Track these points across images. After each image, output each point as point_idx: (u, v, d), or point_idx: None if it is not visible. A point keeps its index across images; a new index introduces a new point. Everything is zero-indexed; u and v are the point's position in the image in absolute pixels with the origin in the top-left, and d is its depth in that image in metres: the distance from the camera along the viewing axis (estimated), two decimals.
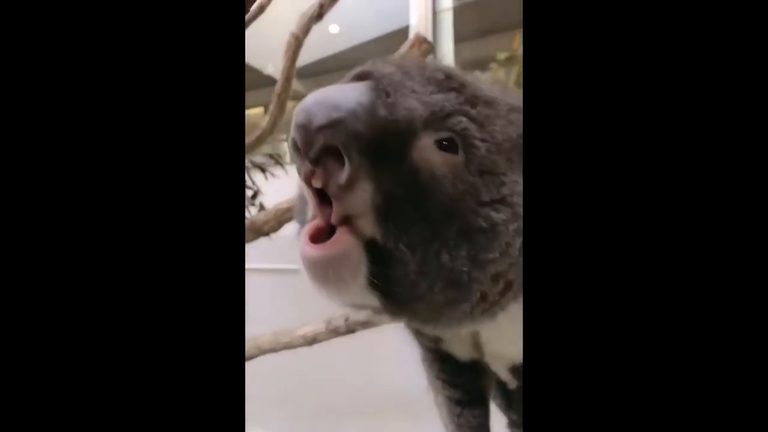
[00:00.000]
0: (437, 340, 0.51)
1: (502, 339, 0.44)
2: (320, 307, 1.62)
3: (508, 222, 0.32)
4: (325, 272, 0.32)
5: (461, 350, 0.51)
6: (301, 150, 0.31)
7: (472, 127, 0.32)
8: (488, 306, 0.35)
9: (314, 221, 0.34)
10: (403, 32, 1.84)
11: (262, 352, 1.18)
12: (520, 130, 0.34)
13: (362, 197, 0.31)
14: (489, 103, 0.34)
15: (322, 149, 0.30)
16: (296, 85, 1.26)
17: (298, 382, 1.70)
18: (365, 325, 1.04)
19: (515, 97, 0.37)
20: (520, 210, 0.33)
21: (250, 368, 1.24)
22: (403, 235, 0.32)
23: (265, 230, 1.14)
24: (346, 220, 0.32)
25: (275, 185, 1.26)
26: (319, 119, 0.29)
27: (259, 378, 1.67)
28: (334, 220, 0.32)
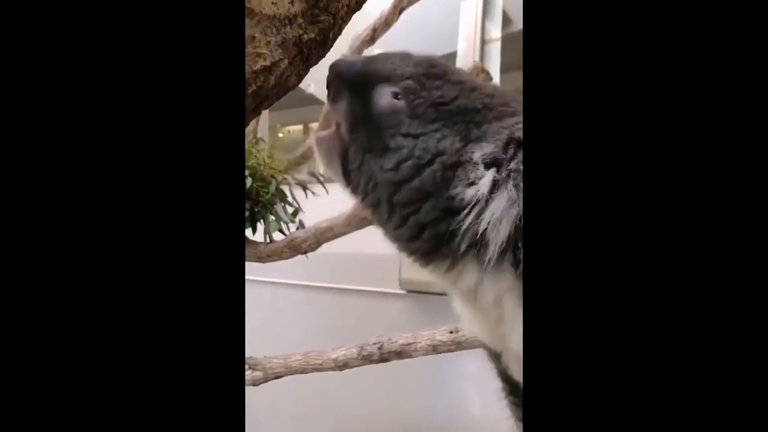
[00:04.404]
0: (498, 357, 0.59)
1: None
2: (355, 325, 1.59)
3: (406, 148, 0.47)
4: (318, 148, 0.55)
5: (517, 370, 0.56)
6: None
7: (416, 89, 0.48)
8: (393, 218, 0.49)
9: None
10: (449, 58, 1.84)
11: (291, 372, 1.16)
12: (462, 96, 0.48)
13: (341, 108, 0.52)
14: (444, 78, 0.49)
15: (327, 83, 0.54)
16: None
17: (322, 403, 1.67)
18: (399, 354, 1.01)
19: (486, 84, 0.55)
20: (420, 144, 0.47)
21: (275, 387, 1.23)
22: (355, 143, 0.50)
23: (303, 248, 1.14)
24: (339, 126, 0.54)
25: (316, 204, 1.26)
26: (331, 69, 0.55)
27: (283, 397, 1.66)
28: (334, 122, 0.55)
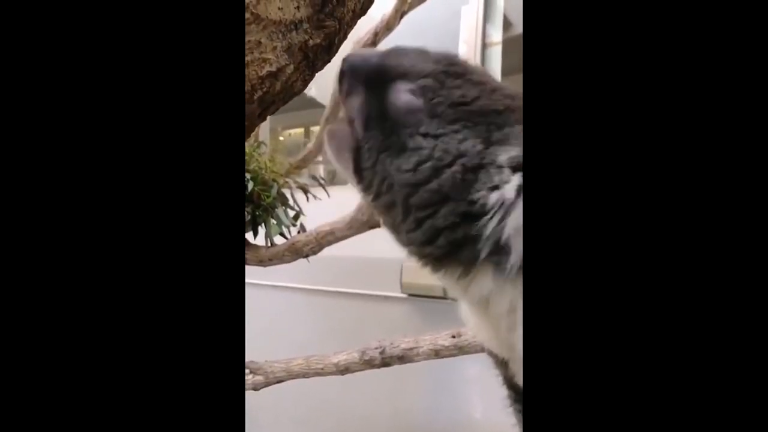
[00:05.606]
0: (505, 365, 0.57)
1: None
2: (356, 329, 1.59)
3: (426, 149, 0.44)
4: (329, 142, 0.52)
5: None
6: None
7: (435, 87, 0.46)
8: (408, 220, 0.47)
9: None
10: None
11: (292, 376, 1.16)
12: (483, 96, 0.46)
13: (355, 104, 0.49)
14: (464, 78, 0.47)
15: (340, 76, 0.51)
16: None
17: (323, 408, 1.66)
18: (401, 359, 1.00)
19: (507, 85, 0.51)
20: (440, 144, 0.44)
21: (277, 391, 1.22)
22: (369, 140, 0.47)
23: (305, 252, 1.13)
24: (351, 122, 0.50)
25: (318, 208, 1.26)
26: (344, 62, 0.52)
27: (284, 401, 1.65)
28: (346, 117, 0.52)
